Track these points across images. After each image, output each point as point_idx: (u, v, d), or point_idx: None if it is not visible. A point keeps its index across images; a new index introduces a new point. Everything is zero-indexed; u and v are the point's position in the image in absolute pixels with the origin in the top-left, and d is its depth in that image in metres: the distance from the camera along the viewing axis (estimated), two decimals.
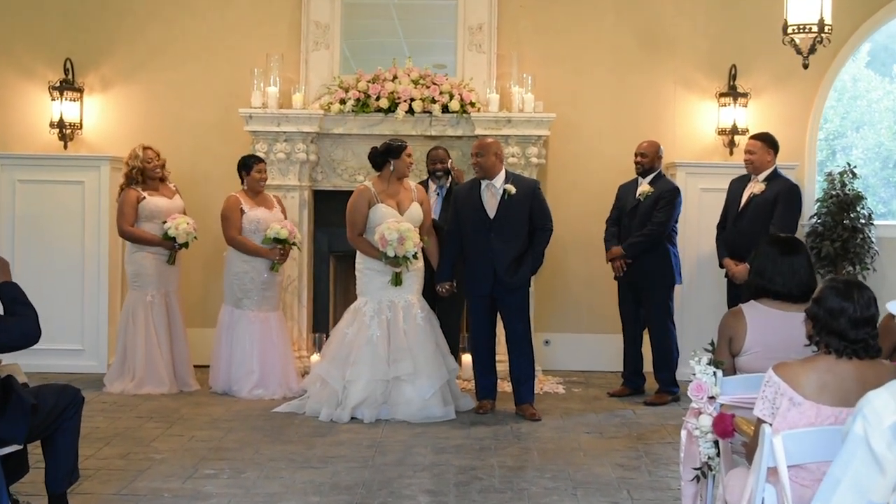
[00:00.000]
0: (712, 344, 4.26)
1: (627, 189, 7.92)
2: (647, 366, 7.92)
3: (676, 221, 7.80)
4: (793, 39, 6.81)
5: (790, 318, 4.24)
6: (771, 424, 3.42)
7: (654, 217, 7.63)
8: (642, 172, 7.78)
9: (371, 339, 7.02)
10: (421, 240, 7.08)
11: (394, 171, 7.16)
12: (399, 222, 6.98)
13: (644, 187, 7.75)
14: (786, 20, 6.81)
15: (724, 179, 8.13)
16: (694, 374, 4.11)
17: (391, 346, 7.01)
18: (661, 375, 7.70)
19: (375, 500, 5.25)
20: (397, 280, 7.05)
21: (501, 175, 7.15)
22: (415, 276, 7.16)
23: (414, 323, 7.07)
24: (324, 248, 8.72)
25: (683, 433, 4.31)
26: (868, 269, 8.47)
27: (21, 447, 4.61)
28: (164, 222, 7.78)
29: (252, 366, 7.68)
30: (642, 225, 7.67)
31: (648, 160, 7.76)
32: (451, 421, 6.97)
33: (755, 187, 7.39)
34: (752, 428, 3.62)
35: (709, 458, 4.12)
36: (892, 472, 2.71)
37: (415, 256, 7.01)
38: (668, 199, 7.67)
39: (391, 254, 6.92)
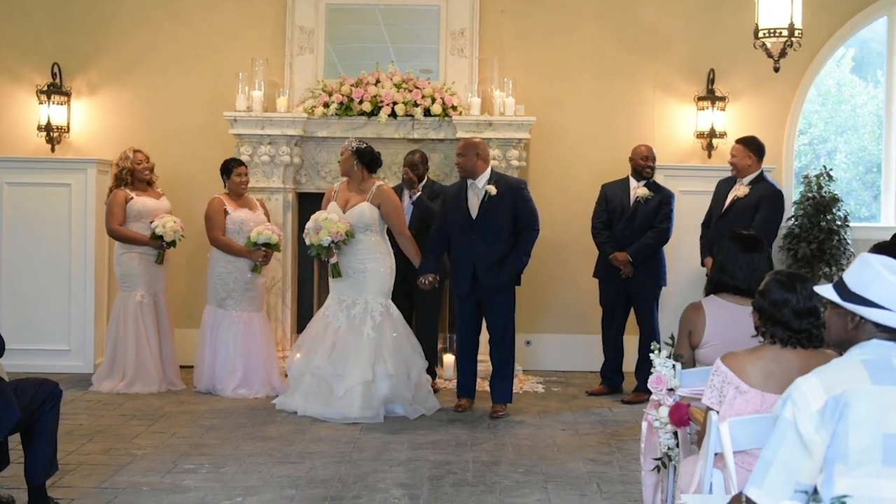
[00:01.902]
0: (672, 338, 4.39)
1: (616, 190, 7.98)
2: (626, 365, 8.05)
3: None
4: (764, 43, 6.93)
5: (748, 312, 4.34)
6: (718, 412, 3.54)
7: (659, 223, 7.77)
8: (648, 176, 7.89)
9: (315, 335, 7.24)
10: (350, 234, 7.10)
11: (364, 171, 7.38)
12: (328, 213, 7.14)
13: (642, 190, 7.85)
14: (757, 24, 6.93)
15: (703, 182, 8.28)
16: (654, 367, 4.23)
17: (316, 341, 7.18)
18: (642, 374, 7.80)
19: (350, 493, 5.36)
20: (335, 271, 7.18)
21: (485, 175, 7.17)
22: (366, 276, 7.19)
23: (352, 322, 7.13)
24: (307, 249, 8.81)
25: (644, 424, 4.43)
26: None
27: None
28: (152, 222, 7.90)
29: (235, 365, 7.79)
30: (642, 228, 7.78)
31: (655, 164, 7.92)
32: (430, 419, 7.09)
33: (739, 190, 7.51)
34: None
35: (668, 448, 4.24)
36: (818, 454, 2.81)
37: (336, 246, 7.07)
38: (670, 204, 7.83)
39: (307, 242, 7.10)
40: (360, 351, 7.04)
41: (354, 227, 7.13)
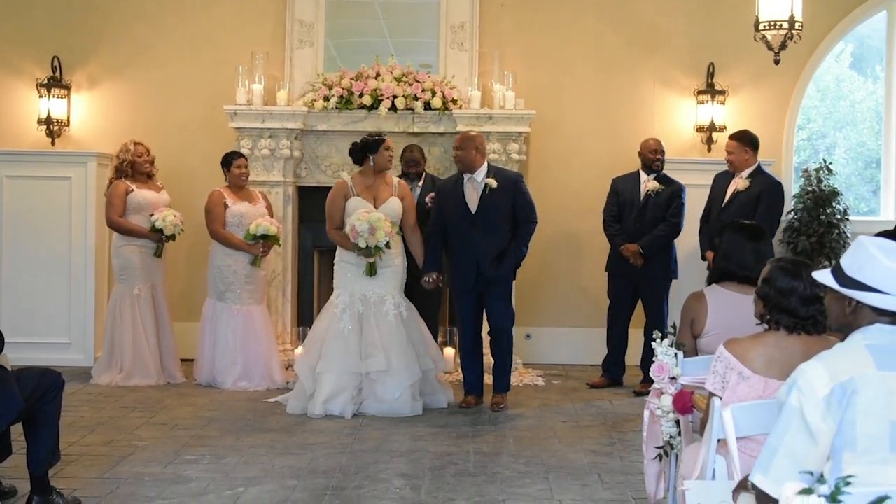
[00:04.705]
0: (674, 326, 4.40)
1: (627, 184, 8.00)
2: (629, 358, 8.06)
3: None
4: (764, 36, 6.94)
5: (750, 301, 4.35)
6: (721, 398, 3.54)
7: (671, 216, 7.79)
8: (658, 169, 7.90)
9: (342, 333, 7.00)
10: (398, 231, 7.08)
11: (374, 165, 7.18)
12: (369, 212, 6.96)
13: (652, 184, 7.87)
14: (757, 17, 6.95)
15: (703, 175, 8.30)
16: (656, 356, 4.24)
17: (364, 341, 6.99)
18: (649, 365, 7.78)
19: (351, 483, 5.37)
20: (371, 270, 7.03)
21: (483, 169, 7.11)
22: (392, 272, 7.13)
23: (385, 319, 7.03)
24: (308, 243, 8.83)
25: (646, 413, 4.45)
26: None
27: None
28: (152, 215, 7.90)
29: (235, 358, 7.80)
30: (653, 221, 7.80)
31: (664, 157, 7.93)
32: (431, 410, 7.08)
33: (739, 183, 7.53)
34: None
35: (670, 437, 4.25)
36: (824, 442, 2.79)
37: (388, 246, 6.97)
38: (681, 197, 7.85)
39: (363, 244, 6.88)
40: (402, 349, 6.98)
41: None
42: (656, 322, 7.78)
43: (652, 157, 7.90)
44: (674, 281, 8.22)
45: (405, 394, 6.95)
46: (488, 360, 7.56)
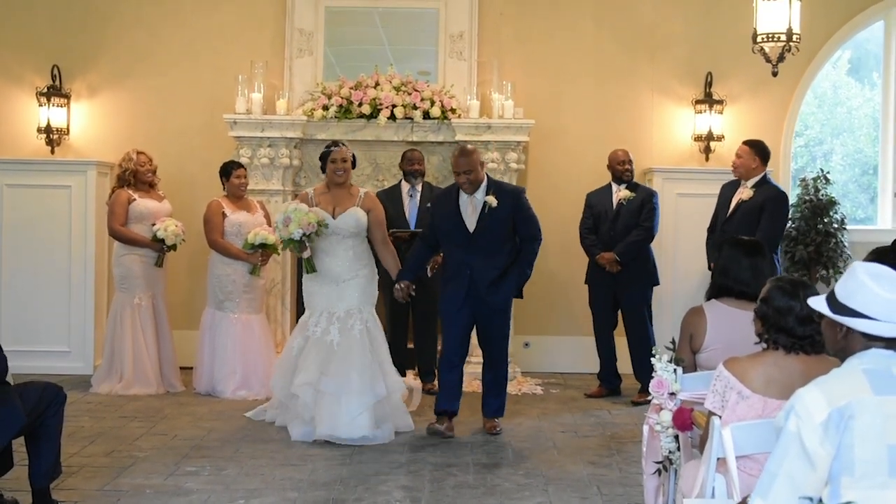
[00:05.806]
0: (673, 342, 4.42)
1: (600, 196, 8.08)
2: (623, 367, 8.08)
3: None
4: (762, 48, 6.97)
5: (749, 317, 4.37)
6: (720, 417, 3.57)
7: (643, 221, 7.84)
8: (628, 179, 7.96)
9: (309, 354, 6.70)
10: (323, 226, 6.63)
11: (326, 176, 6.96)
12: (296, 203, 6.69)
13: (624, 192, 7.93)
14: (755, 29, 6.98)
15: (700, 185, 8.35)
16: (655, 371, 4.26)
17: (316, 358, 6.66)
18: (643, 376, 7.81)
19: (352, 495, 5.38)
20: (309, 267, 6.72)
21: (483, 184, 6.63)
22: (357, 283, 6.76)
23: (349, 334, 6.65)
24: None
25: (645, 428, 4.46)
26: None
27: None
28: (154, 224, 7.92)
29: (234, 367, 7.82)
30: (627, 228, 7.85)
31: (633, 167, 7.97)
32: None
33: (744, 193, 7.53)
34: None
35: (670, 452, 4.27)
36: (823, 467, 2.81)
37: (309, 238, 6.60)
38: (653, 203, 7.90)
39: (277, 236, 6.73)
40: (366, 366, 6.59)
41: (346, 233, 6.73)
42: (638, 329, 7.84)
43: (621, 169, 7.99)
44: (668, 292, 8.26)
45: (364, 416, 6.48)
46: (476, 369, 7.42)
